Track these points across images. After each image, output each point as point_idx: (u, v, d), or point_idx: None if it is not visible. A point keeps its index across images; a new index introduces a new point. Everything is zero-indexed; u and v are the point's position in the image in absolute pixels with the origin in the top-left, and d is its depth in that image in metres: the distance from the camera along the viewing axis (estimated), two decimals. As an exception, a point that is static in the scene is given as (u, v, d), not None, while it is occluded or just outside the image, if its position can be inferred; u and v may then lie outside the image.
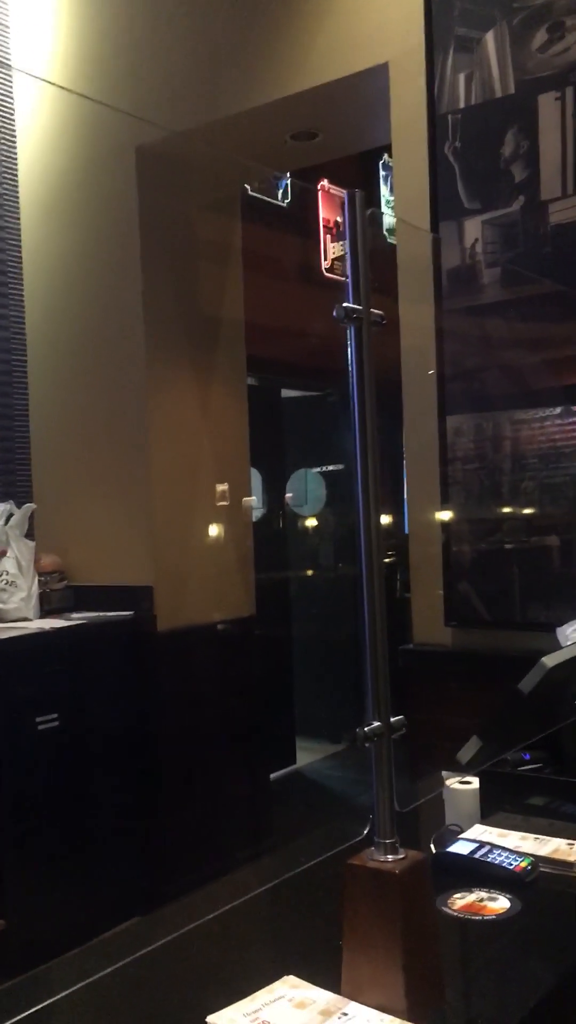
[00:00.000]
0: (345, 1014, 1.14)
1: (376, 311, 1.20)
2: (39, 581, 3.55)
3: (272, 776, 4.77)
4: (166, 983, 1.29)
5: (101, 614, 3.52)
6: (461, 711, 2.60)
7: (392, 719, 1.21)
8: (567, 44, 2.57)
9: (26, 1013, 1.18)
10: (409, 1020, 1.12)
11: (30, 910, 3.06)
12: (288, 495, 5.87)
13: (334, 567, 5.83)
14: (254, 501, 5.53)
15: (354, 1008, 1.15)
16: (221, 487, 3.83)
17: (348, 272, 1.16)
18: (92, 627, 3.43)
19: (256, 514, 5.37)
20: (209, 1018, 1.14)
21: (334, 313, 1.15)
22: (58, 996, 1.24)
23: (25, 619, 3.44)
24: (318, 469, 6.00)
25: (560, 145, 2.59)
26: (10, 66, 3.73)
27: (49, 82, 3.61)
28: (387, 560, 3.00)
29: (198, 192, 3.74)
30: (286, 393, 5.82)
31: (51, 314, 3.72)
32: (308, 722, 5.61)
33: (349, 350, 1.17)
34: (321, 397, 5.90)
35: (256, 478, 5.36)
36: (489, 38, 2.69)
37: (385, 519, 3.25)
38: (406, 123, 2.85)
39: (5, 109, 3.73)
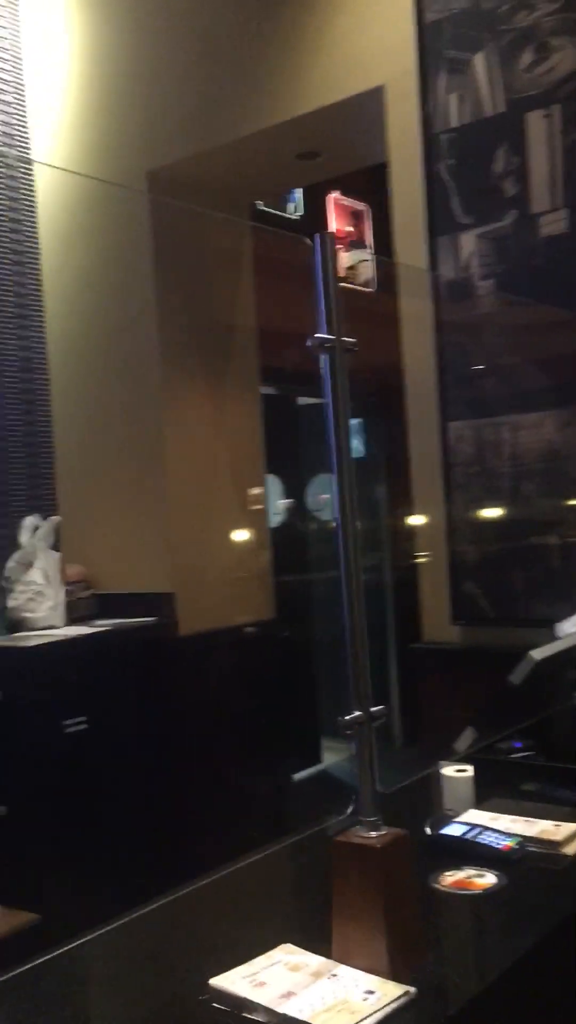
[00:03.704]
0: (335, 975, 1.27)
1: (348, 339, 1.32)
2: (66, 591, 3.70)
3: (298, 775, 4.89)
4: (173, 952, 1.42)
5: (125, 621, 3.66)
6: (468, 705, 2.71)
7: (373, 708, 1.34)
8: (552, 64, 2.68)
9: (34, 963, 1.32)
10: (392, 980, 1.24)
11: (62, 905, 3.20)
12: (323, 496, 5.93)
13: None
14: (290, 504, 5.67)
15: (343, 970, 1.28)
16: (255, 491, 3.98)
17: (320, 306, 1.28)
18: (117, 633, 3.57)
19: (276, 519, 5.50)
20: (212, 980, 1.27)
21: (308, 343, 1.27)
22: (64, 949, 1.38)
23: (53, 627, 3.59)
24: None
25: (548, 160, 2.70)
26: (28, 147, 3.89)
27: (62, 168, 3.80)
28: (425, 559, 3.10)
29: (208, 209, 3.88)
30: (304, 401, 5.94)
31: (70, 333, 3.88)
32: (333, 723, 5.71)
33: (324, 375, 1.30)
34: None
35: (276, 485, 5.49)
36: (478, 60, 2.81)
37: (420, 520, 3.32)
38: (401, 143, 2.97)
39: (21, 139, 3.89)
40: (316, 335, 1.27)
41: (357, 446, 6.24)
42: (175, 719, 3.64)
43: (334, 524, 1.31)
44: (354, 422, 5.43)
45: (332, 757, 5.65)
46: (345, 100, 3.10)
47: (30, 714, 3.23)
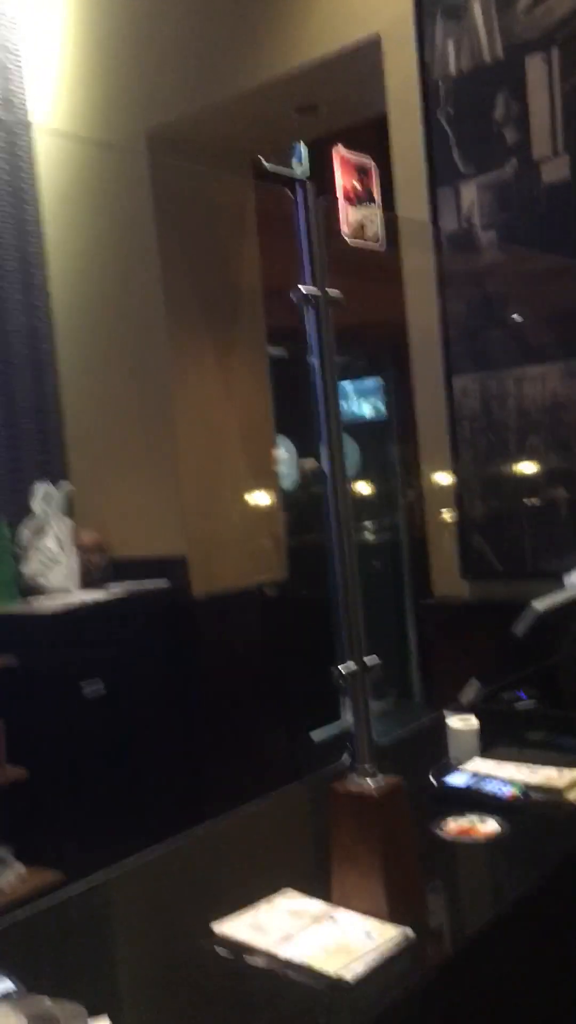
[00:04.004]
0: (333, 919, 1.29)
1: (333, 291, 1.31)
2: (79, 556, 3.73)
3: (317, 733, 4.93)
4: (176, 898, 1.45)
5: (139, 585, 3.69)
6: (477, 658, 2.72)
7: (367, 660, 1.35)
8: (550, 5, 2.62)
9: (39, 909, 1.36)
10: (390, 922, 1.27)
11: (84, 863, 3.26)
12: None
13: (369, 527, 5.95)
14: (313, 465, 5.68)
15: (342, 914, 1.30)
16: (279, 452, 4.00)
17: (303, 257, 1.28)
18: (131, 597, 3.61)
19: (290, 481, 5.50)
20: (214, 925, 1.30)
21: (292, 296, 1.26)
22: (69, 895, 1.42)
23: (67, 592, 3.63)
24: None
25: (549, 105, 2.65)
26: (28, 118, 3.85)
27: (60, 133, 3.77)
28: (437, 515, 3.10)
29: (209, 168, 3.84)
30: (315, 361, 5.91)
31: (75, 301, 3.87)
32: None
33: (308, 328, 1.29)
34: (347, 363, 5.99)
35: (288, 446, 5.49)
36: (475, 3, 2.75)
37: (430, 476, 3.30)
38: (400, 92, 2.92)
39: (20, 103, 3.86)
40: (299, 287, 1.26)
41: (378, 405, 6.23)
42: (191, 681, 3.68)
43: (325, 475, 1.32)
44: (372, 382, 5.42)
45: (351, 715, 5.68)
46: (342, 51, 3.05)
47: (47, 679, 3.28)
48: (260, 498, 4.02)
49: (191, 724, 3.68)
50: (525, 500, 2.82)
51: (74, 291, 3.87)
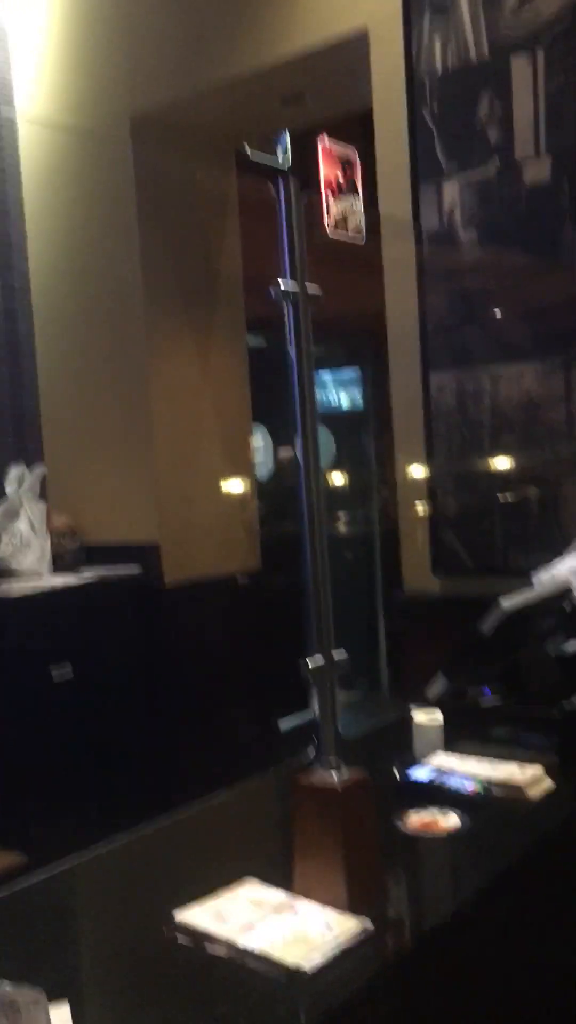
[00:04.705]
0: (294, 909, 1.31)
1: (312, 285, 1.32)
2: (51, 540, 3.72)
3: (285, 724, 4.95)
4: (139, 887, 1.46)
5: (111, 570, 3.69)
6: (445, 653, 2.74)
7: (334, 655, 1.36)
8: (537, 6, 2.63)
9: (3, 895, 1.37)
10: (351, 914, 1.28)
11: (50, 849, 3.27)
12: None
13: (342, 519, 5.97)
14: (291, 454, 5.67)
15: (303, 905, 1.32)
16: (256, 442, 4.00)
17: (284, 253, 1.28)
18: (102, 583, 3.60)
19: (264, 470, 5.50)
20: (175, 912, 1.31)
21: (271, 293, 1.27)
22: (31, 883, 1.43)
23: (38, 576, 3.62)
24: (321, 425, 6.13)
25: (532, 106, 2.66)
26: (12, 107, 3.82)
27: (39, 120, 3.74)
28: (409, 510, 3.12)
29: (193, 156, 3.83)
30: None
31: (55, 283, 3.85)
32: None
33: (287, 324, 1.30)
34: (326, 356, 5.99)
35: (266, 435, 5.49)
36: (463, 2, 2.75)
37: (403, 471, 3.32)
38: (385, 87, 2.93)
39: (3, 88, 3.82)
40: (279, 285, 1.26)
41: (355, 396, 6.24)
42: (160, 667, 3.69)
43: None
44: (350, 372, 5.42)
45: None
46: (329, 42, 3.04)
47: (16, 662, 3.27)
48: (235, 486, 4.03)
49: (160, 710, 3.69)
50: (498, 497, 2.85)
51: (54, 274, 3.85)
